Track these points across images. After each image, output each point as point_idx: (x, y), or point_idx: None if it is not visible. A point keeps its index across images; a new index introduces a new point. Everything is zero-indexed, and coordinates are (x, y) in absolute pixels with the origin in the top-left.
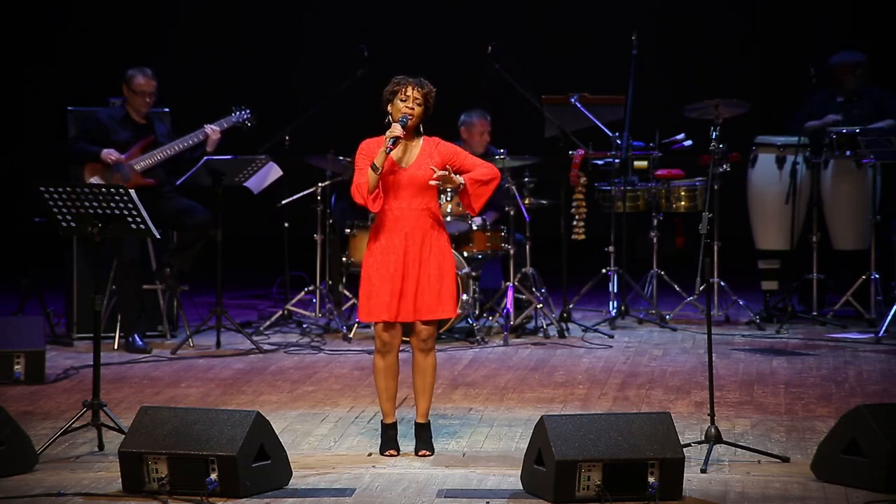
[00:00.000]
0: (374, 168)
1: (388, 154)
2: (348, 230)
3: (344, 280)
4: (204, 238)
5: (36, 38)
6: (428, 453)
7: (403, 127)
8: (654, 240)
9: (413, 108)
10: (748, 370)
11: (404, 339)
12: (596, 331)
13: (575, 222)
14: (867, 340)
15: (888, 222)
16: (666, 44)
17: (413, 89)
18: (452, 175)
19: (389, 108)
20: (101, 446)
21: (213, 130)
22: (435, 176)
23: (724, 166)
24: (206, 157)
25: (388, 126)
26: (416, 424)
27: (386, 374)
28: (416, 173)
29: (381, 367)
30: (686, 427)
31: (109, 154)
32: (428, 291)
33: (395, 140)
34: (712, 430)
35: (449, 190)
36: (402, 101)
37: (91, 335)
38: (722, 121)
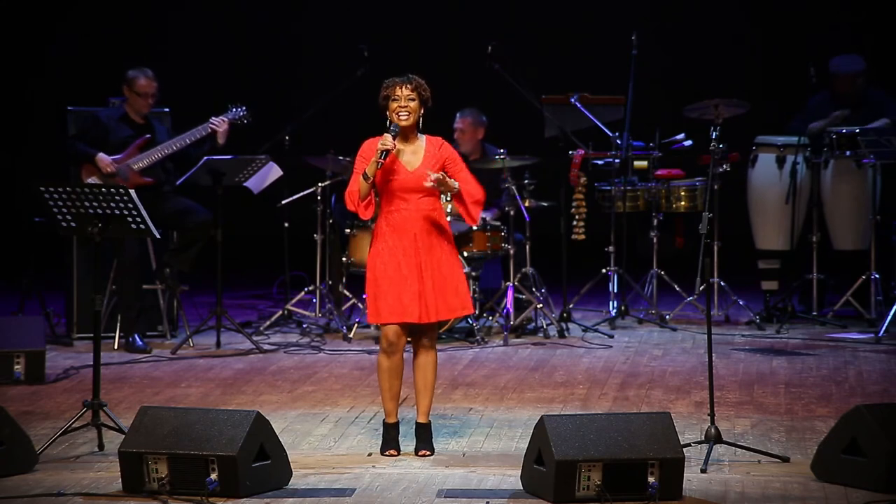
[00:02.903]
0: (364, 177)
1: (379, 167)
2: (348, 230)
3: (344, 280)
4: (204, 238)
5: (36, 39)
6: (428, 453)
7: (395, 137)
8: (654, 240)
9: (407, 106)
10: (748, 370)
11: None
12: (596, 331)
13: (575, 222)
14: (867, 340)
15: (888, 222)
16: (666, 44)
17: (402, 88)
18: (448, 179)
19: (388, 112)
20: (101, 446)
21: (219, 122)
22: (431, 178)
23: (724, 166)
24: (206, 157)
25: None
26: (417, 424)
27: (391, 373)
28: (424, 175)
29: (387, 366)
30: (686, 427)
31: (104, 166)
32: (447, 291)
33: (386, 153)
34: (712, 430)
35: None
36: (394, 101)
37: (91, 335)
38: (722, 121)
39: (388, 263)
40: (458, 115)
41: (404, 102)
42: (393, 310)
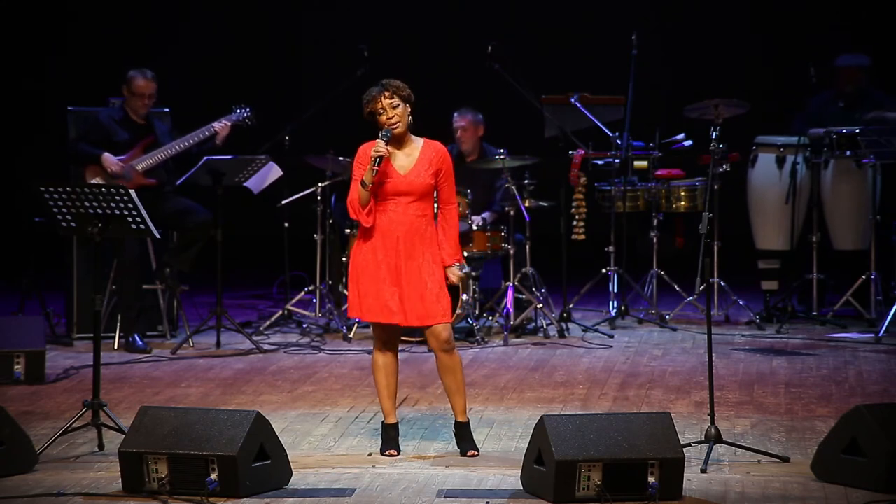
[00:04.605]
0: (363, 185)
1: (375, 173)
2: (348, 230)
3: (344, 280)
4: (204, 238)
5: (36, 38)
6: (475, 453)
7: (387, 142)
8: (654, 240)
9: (393, 114)
10: (748, 370)
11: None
12: (596, 331)
13: (575, 222)
14: (867, 340)
15: (888, 222)
16: (666, 43)
17: (381, 99)
18: (455, 280)
19: (379, 126)
20: (101, 446)
21: (222, 126)
22: (456, 276)
23: (724, 166)
24: (206, 158)
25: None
26: (457, 423)
27: (386, 371)
28: (415, 180)
29: (381, 364)
30: (686, 427)
31: (110, 165)
32: (426, 297)
33: (380, 160)
34: (712, 430)
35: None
36: (379, 113)
37: (91, 335)
38: (722, 121)
39: (369, 262)
40: (455, 114)
41: (390, 112)
42: (372, 308)
